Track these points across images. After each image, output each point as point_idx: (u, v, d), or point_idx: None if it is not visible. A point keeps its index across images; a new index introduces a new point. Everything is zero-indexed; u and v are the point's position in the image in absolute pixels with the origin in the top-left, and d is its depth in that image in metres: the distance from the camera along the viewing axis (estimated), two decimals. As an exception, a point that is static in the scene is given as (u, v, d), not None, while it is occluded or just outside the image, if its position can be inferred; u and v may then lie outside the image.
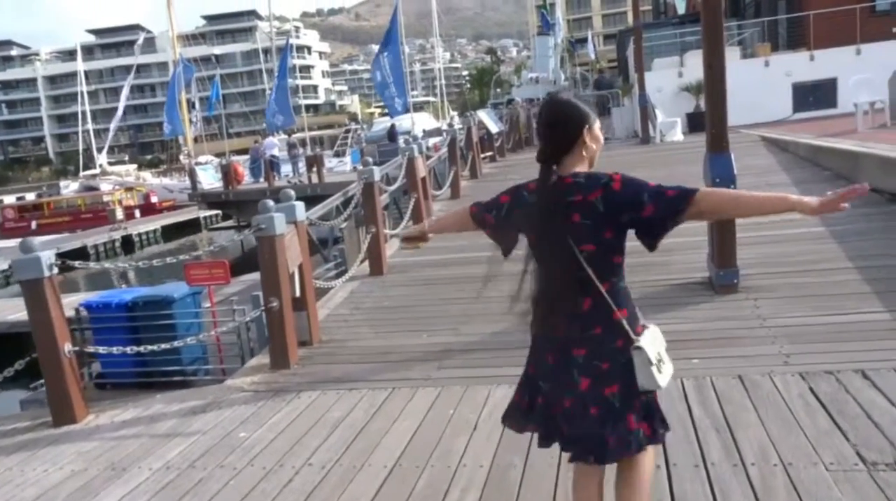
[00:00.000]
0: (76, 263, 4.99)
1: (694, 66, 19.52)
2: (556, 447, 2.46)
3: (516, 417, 2.54)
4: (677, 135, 17.30)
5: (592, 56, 49.47)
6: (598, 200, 2.15)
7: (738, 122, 14.85)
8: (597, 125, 2.29)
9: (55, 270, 4.60)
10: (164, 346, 5.29)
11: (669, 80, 19.63)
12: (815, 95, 18.80)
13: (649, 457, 2.35)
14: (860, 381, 3.84)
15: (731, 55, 19.53)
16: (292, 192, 5.53)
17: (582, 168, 2.25)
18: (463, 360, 4.96)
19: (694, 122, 18.90)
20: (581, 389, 2.22)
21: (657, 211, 2.15)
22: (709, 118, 5.54)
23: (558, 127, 2.25)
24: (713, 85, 5.43)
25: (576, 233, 2.17)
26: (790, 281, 5.67)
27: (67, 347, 4.65)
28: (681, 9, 31.41)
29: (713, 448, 3.34)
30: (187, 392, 4.97)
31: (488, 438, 3.73)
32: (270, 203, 5.13)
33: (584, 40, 56.17)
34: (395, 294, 6.85)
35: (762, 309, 5.12)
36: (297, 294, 5.50)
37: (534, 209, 2.26)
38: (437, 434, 3.85)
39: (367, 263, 7.72)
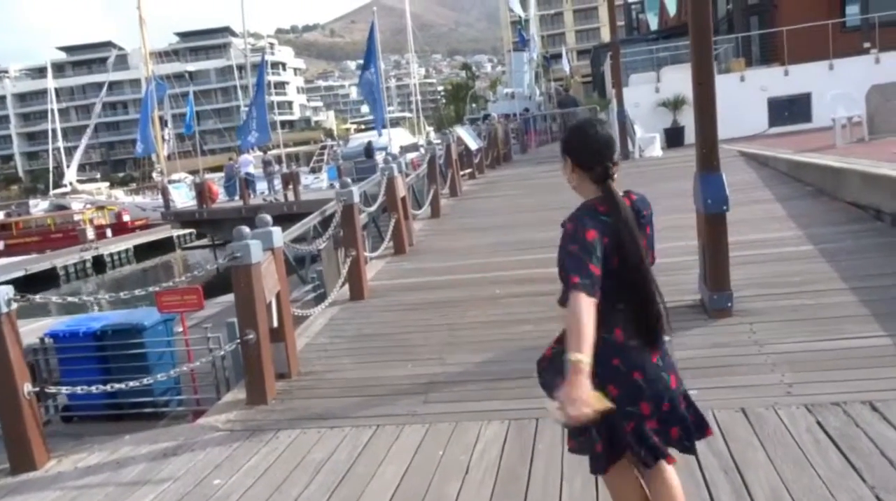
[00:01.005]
0: (37, 297, 4.67)
1: (670, 81, 19.61)
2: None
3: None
4: (656, 150, 17.28)
5: (567, 71, 49.78)
6: (649, 216, 2.50)
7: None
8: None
9: (13, 306, 4.29)
10: (133, 384, 4.94)
11: (647, 95, 19.66)
12: (790, 110, 18.93)
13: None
14: (869, 414, 3.67)
15: (707, 70, 19.62)
16: (268, 217, 5.27)
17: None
18: (450, 393, 4.72)
19: (672, 137, 18.94)
20: (672, 387, 2.39)
21: None
22: (699, 137, 5.39)
23: (612, 150, 2.40)
24: (703, 103, 5.29)
25: (648, 244, 2.45)
26: (785, 303, 5.52)
27: (27, 387, 4.33)
28: (653, 25, 31.71)
29: (723, 493, 3.14)
30: (158, 432, 4.67)
31: (482, 483, 3.49)
32: (246, 229, 4.87)
33: (559, 56, 56.64)
34: (376, 320, 6.60)
35: (759, 335, 4.95)
36: (275, 324, 5.23)
37: (622, 228, 2.31)
38: (427, 478, 3.60)
39: (346, 287, 7.45)
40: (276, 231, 5.27)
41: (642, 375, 2.30)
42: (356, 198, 7.36)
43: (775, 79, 19.31)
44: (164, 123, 35.76)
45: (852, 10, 21.81)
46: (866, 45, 19.54)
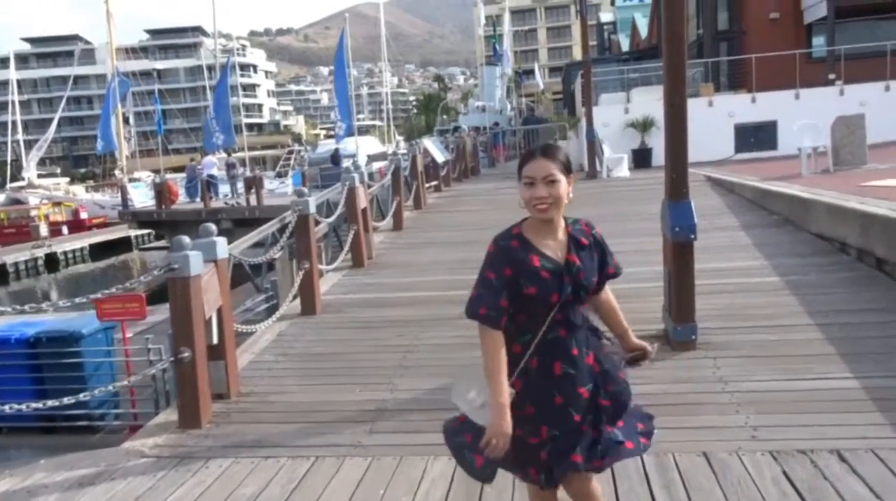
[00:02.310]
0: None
1: (640, 102, 19.67)
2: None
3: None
4: (624, 170, 17.25)
5: (541, 86, 50.00)
6: None
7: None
8: (521, 180, 2.40)
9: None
10: (68, 400, 4.49)
11: (616, 115, 19.68)
12: (756, 137, 19.09)
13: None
14: (837, 464, 3.47)
15: (677, 94, 19.72)
16: (213, 227, 4.93)
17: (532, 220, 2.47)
18: (398, 423, 4.42)
19: (639, 159, 18.96)
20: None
21: None
22: (669, 161, 5.21)
23: None
24: (674, 126, 5.11)
25: None
26: (750, 337, 5.34)
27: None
28: (625, 46, 32.01)
29: (684, 552, 2.89)
30: (77, 457, 4.26)
31: (424, 530, 3.20)
32: (186, 239, 4.52)
33: (531, 72, 56.95)
34: (327, 338, 6.27)
35: (723, 371, 4.76)
36: (215, 341, 4.88)
37: None
38: (365, 522, 3.30)
39: (298, 300, 7.11)
40: (221, 241, 4.92)
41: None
42: (312, 209, 7.03)
43: (743, 105, 19.49)
44: (126, 121, 34.87)
45: (818, 42, 22.19)
46: (831, 76, 19.86)
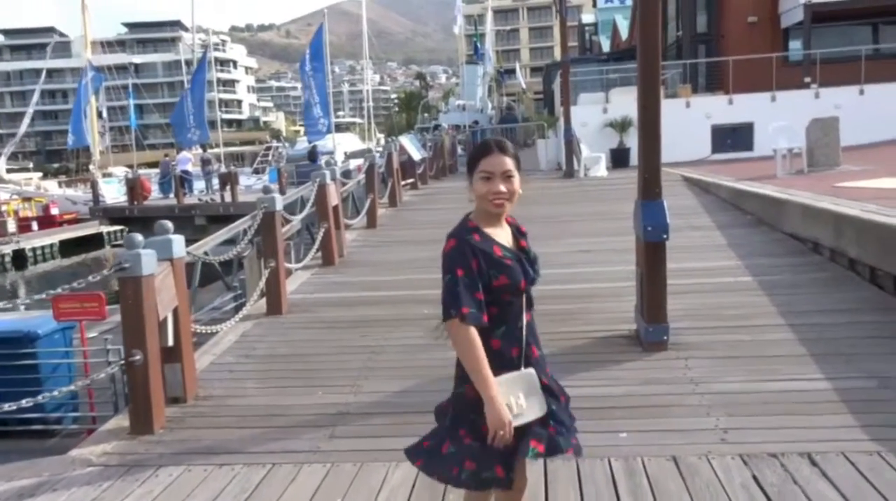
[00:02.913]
0: None
1: (618, 102, 19.65)
2: None
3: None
4: (601, 170, 17.20)
5: (523, 86, 50.01)
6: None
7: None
8: (475, 174, 2.36)
9: None
10: (25, 402, 4.24)
11: (594, 115, 19.65)
12: (732, 138, 19.15)
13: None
14: (808, 468, 3.37)
15: (654, 94, 19.71)
16: (169, 224, 4.73)
17: (479, 213, 2.43)
18: (360, 427, 4.26)
19: (617, 158, 18.93)
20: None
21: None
22: (642, 161, 5.10)
23: None
24: (647, 128, 5.01)
25: None
26: (722, 338, 5.26)
27: None
28: (605, 46, 32.06)
29: (648, 564, 2.77)
30: (18, 466, 4.05)
31: (379, 542, 3.05)
32: (138, 237, 4.33)
33: (513, 71, 56.96)
34: (292, 338, 6.09)
35: (694, 372, 4.66)
36: (170, 343, 4.69)
37: None
38: (318, 533, 3.14)
39: (264, 300, 6.92)
40: (178, 240, 4.73)
41: None
42: (278, 206, 6.84)
43: (720, 107, 19.54)
44: (99, 115, 34.28)
45: (795, 45, 22.31)
46: (807, 79, 19.97)
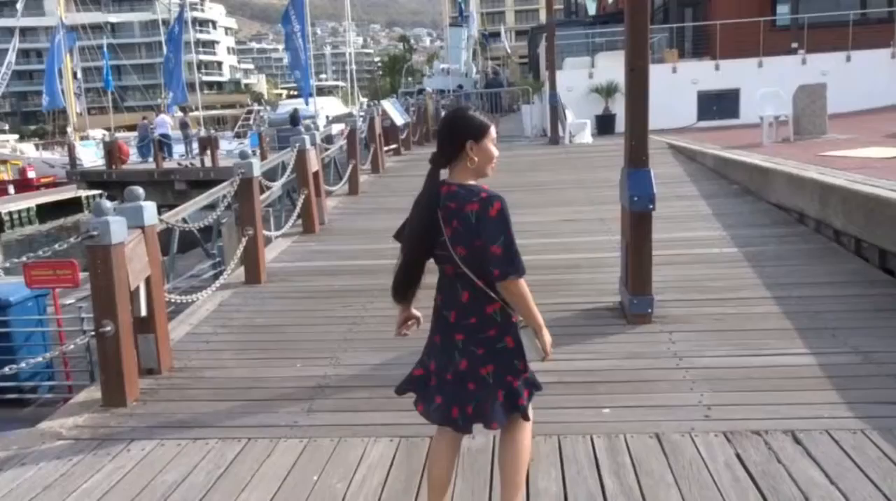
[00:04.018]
0: None
1: (604, 67, 19.41)
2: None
3: (403, 384, 2.80)
4: (586, 137, 17.03)
5: (508, 50, 49.35)
6: (472, 214, 2.41)
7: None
8: (486, 140, 2.50)
9: None
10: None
11: (580, 80, 19.39)
12: (718, 104, 19.00)
13: (527, 428, 2.65)
14: (792, 447, 3.33)
15: (641, 59, 19.45)
16: (140, 190, 4.56)
17: (469, 179, 2.51)
18: (338, 401, 4.17)
19: (603, 125, 18.75)
20: (460, 368, 2.53)
21: (493, 259, 2.40)
22: (629, 127, 4.97)
23: (447, 137, 2.50)
24: (635, 91, 4.86)
25: (453, 236, 2.45)
26: (706, 310, 5.21)
27: None
28: (591, 10, 31.55)
29: (631, 545, 2.72)
30: (-15, 440, 3.94)
31: (356, 521, 2.97)
32: (107, 204, 4.15)
33: (497, 35, 56.13)
34: (270, 308, 5.96)
35: (678, 346, 4.60)
36: (143, 313, 4.55)
37: (417, 203, 2.55)
38: (293, 513, 3.06)
39: (243, 269, 6.77)
40: (149, 206, 4.56)
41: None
42: (256, 172, 6.65)
43: (706, 72, 19.35)
44: (74, 76, 33.42)
45: (783, 10, 22.05)
46: (794, 45, 19.79)
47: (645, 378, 4.19)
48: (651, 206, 4.89)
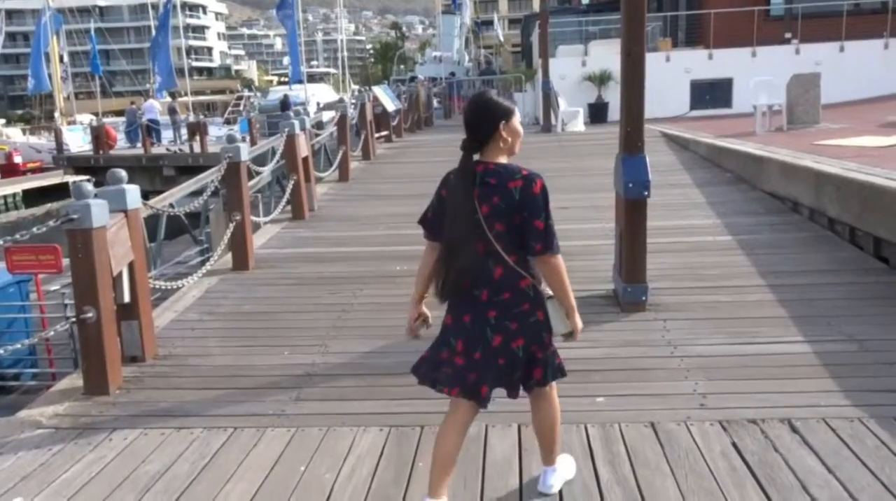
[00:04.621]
0: None
1: (597, 55, 19.29)
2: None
3: (423, 369, 2.76)
4: (579, 125, 16.94)
5: (501, 38, 49.12)
6: (516, 190, 2.48)
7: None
8: (515, 120, 2.58)
9: None
10: None
11: (573, 68, 19.28)
12: (711, 94, 18.93)
13: (554, 391, 2.78)
14: (788, 435, 3.27)
15: (634, 47, 19.34)
16: (123, 173, 4.43)
17: (501, 158, 2.58)
18: (327, 389, 4.09)
19: (595, 113, 18.66)
20: (493, 344, 2.55)
21: (535, 234, 2.49)
22: (624, 113, 4.88)
23: (479, 121, 2.55)
24: (631, 77, 4.77)
25: (490, 213, 2.49)
26: (700, 298, 5.14)
27: None
28: (585, -2, 31.42)
29: (626, 537, 2.65)
30: (-38, 428, 3.83)
31: (344, 512, 2.89)
32: (88, 186, 4.03)
33: (490, 23, 55.84)
34: (258, 295, 5.86)
35: (672, 334, 4.54)
36: (126, 299, 4.44)
37: (453, 188, 2.57)
38: (279, 504, 2.98)
39: (230, 255, 6.66)
40: (132, 189, 4.44)
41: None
42: (244, 156, 6.52)
43: (699, 61, 19.27)
44: (60, 59, 32.97)
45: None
46: (788, 34, 19.73)
47: (639, 366, 4.13)
48: (646, 193, 4.81)
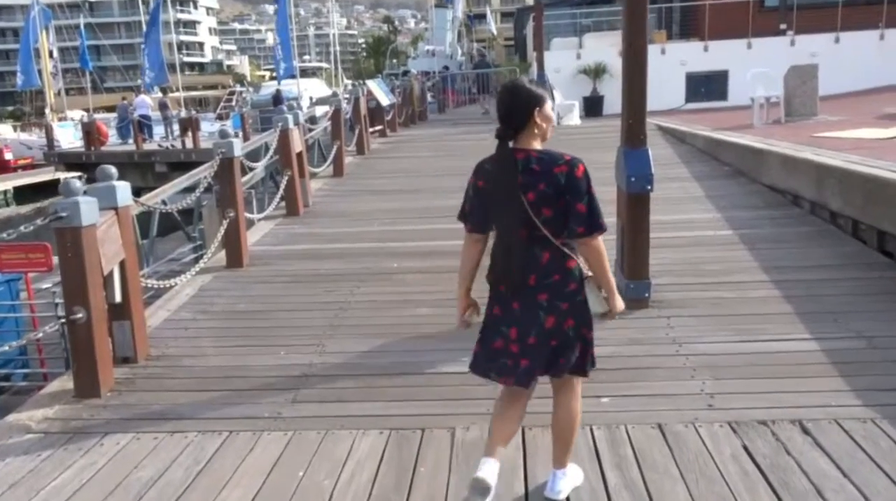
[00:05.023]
0: None
1: (592, 48, 19.18)
2: None
3: (481, 364, 2.74)
4: (575, 118, 16.82)
5: (493, 31, 48.94)
6: (562, 175, 2.51)
7: (635, 109, 14.51)
8: (547, 106, 2.60)
9: None
10: None
11: (568, 61, 19.15)
12: (707, 86, 18.84)
13: (579, 391, 2.82)
14: (800, 437, 3.19)
15: (629, 40, 19.23)
16: (113, 169, 4.31)
17: (535, 144, 2.59)
18: (324, 391, 3.98)
19: (590, 107, 18.55)
20: (546, 326, 2.58)
21: (578, 216, 2.52)
22: (626, 106, 4.78)
23: (514, 109, 2.56)
24: (633, 69, 4.68)
25: (537, 199, 2.51)
26: (704, 295, 5.06)
27: None
28: (579, -10, 31.26)
29: (637, 545, 2.56)
30: (-52, 434, 3.71)
31: (345, 521, 2.80)
32: (77, 183, 3.91)
33: (483, 16, 55.56)
34: (253, 293, 5.74)
35: (677, 331, 4.45)
36: (118, 299, 4.32)
37: (494, 178, 2.58)
38: (277, 512, 2.88)
39: (224, 252, 6.54)
40: (122, 186, 4.32)
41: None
42: (237, 152, 6.40)
43: (695, 53, 19.17)
44: (50, 55, 32.66)
45: (772, -10, 21.91)
46: (783, 26, 19.64)
47: (644, 365, 4.04)
48: (649, 187, 4.72)
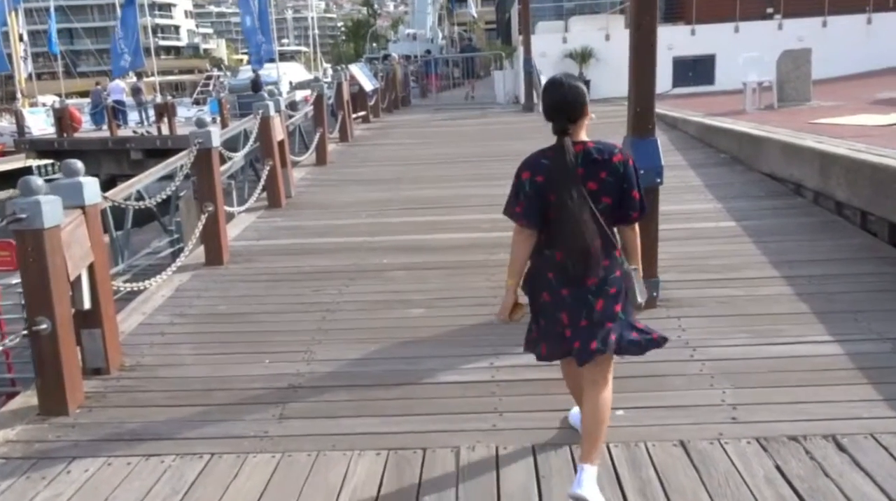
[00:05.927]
0: None
1: (578, 32, 18.86)
2: None
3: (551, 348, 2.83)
4: (561, 104, 16.49)
5: (474, 15, 48.46)
6: (620, 164, 2.65)
7: (621, 94, 14.23)
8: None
9: None
10: None
11: (553, 45, 18.80)
12: (694, 70, 18.62)
13: (610, 384, 2.85)
14: (837, 455, 2.93)
15: (616, 23, 18.96)
16: (79, 164, 3.94)
17: (583, 136, 2.69)
18: (314, 405, 3.67)
19: (577, 91, 18.22)
20: (596, 309, 2.67)
21: (633, 203, 2.69)
22: (633, 92, 4.48)
23: (575, 104, 2.65)
24: (641, 52, 4.36)
25: (599, 188, 2.62)
26: (713, 292, 4.80)
27: None
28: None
29: None
30: None
31: (342, 563, 2.50)
32: (38, 181, 3.54)
33: (464, 0, 54.95)
34: (234, 294, 5.39)
35: (689, 333, 4.19)
36: (87, 305, 3.96)
37: (558, 171, 2.62)
38: (266, 552, 2.57)
39: (202, 249, 6.17)
40: (89, 182, 3.95)
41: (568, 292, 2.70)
42: (215, 142, 6.02)
43: (682, 37, 18.89)
44: (20, 39, 31.64)
45: (759, -28, 21.66)
46: (769, 10, 19.45)
47: (659, 372, 3.76)
48: (659, 180, 4.44)
